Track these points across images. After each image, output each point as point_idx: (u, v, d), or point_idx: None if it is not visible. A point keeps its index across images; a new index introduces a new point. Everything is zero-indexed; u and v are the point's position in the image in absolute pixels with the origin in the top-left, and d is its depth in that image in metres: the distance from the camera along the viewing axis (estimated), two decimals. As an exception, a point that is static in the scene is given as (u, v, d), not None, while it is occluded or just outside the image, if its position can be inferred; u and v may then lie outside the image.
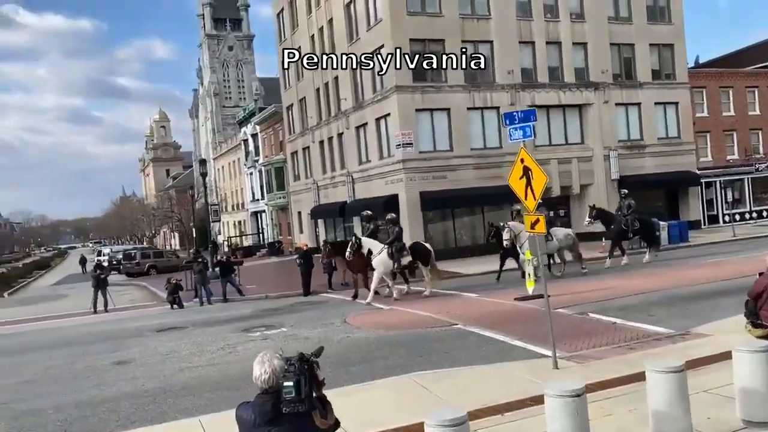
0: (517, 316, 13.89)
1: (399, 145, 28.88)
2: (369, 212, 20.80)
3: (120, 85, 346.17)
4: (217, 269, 24.67)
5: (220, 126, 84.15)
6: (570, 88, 32.65)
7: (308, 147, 41.95)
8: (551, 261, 21.02)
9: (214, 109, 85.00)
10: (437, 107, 29.66)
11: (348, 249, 18.37)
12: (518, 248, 19.01)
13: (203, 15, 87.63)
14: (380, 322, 14.83)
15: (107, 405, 9.57)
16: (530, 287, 16.26)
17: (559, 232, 20.89)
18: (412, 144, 28.85)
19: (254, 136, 56.70)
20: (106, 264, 34.71)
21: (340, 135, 36.47)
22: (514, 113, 9.61)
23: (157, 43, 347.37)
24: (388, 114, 29.95)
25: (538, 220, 9.59)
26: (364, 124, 32.95)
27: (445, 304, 16.38)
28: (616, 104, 33.87)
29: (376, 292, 18.50)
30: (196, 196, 38.84)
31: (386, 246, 18.14)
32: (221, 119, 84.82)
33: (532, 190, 9.54)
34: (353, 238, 19.20)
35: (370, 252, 18.21)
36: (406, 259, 18.49)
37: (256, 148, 56.53)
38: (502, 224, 20.13)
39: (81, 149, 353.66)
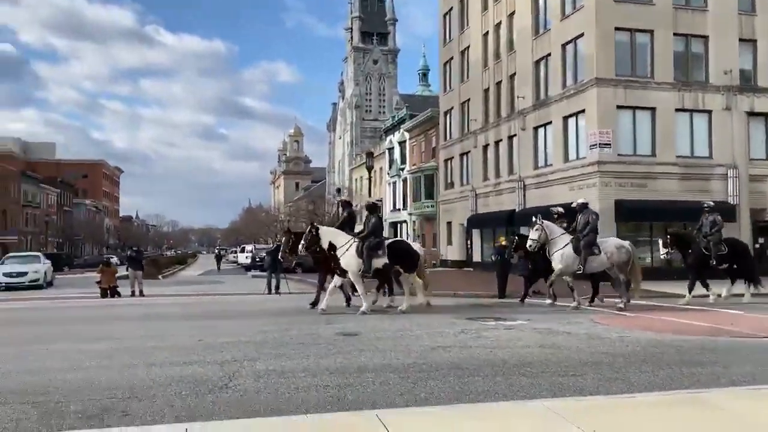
0: None
1: (594, 145, 25.62)
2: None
3: (245, 105, 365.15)
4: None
5: (359, 138, 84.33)
6: (796, 95, 27.99)
7: (468, 152, 39.47)
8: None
9: (354, 121, 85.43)
10: (641, 105, 26.15)
11: (302, 240, 14.01)
12: (550, 257, 14.81)
13: (351, 28, 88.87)
14: (644, 326, 11.66)
15: (369, 375, 7.22)
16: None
17: (610, 243, 15.24)
18: (610, 144, 25.50)
19: (402, 143, 55.21)
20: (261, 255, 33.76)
21: (510, 138, 33.69)
22: None
23: (282, 66, 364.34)
24: (582, 110, 26.79)
25: None
26: (547, 124, 29.95)
27: (715, 317, 12.97)
28: None
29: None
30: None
31: (355, 240, 13.69)
32: (360, 131, 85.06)
33: None
34: (309, 226, 14.66)
35: (333, 247, 13.82)
36: (380, 261, 13.78)
37: (403, 156, 54.99)
38: (535, 220, 14.93)
39: (208, 164, 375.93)
